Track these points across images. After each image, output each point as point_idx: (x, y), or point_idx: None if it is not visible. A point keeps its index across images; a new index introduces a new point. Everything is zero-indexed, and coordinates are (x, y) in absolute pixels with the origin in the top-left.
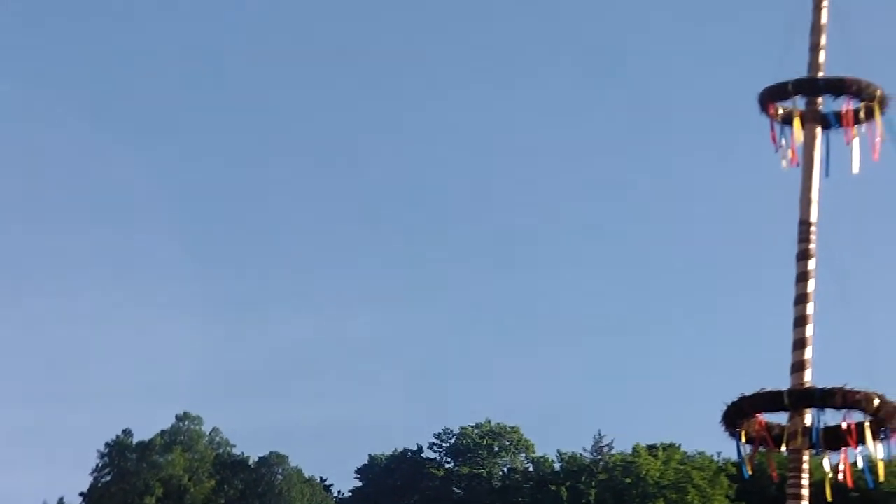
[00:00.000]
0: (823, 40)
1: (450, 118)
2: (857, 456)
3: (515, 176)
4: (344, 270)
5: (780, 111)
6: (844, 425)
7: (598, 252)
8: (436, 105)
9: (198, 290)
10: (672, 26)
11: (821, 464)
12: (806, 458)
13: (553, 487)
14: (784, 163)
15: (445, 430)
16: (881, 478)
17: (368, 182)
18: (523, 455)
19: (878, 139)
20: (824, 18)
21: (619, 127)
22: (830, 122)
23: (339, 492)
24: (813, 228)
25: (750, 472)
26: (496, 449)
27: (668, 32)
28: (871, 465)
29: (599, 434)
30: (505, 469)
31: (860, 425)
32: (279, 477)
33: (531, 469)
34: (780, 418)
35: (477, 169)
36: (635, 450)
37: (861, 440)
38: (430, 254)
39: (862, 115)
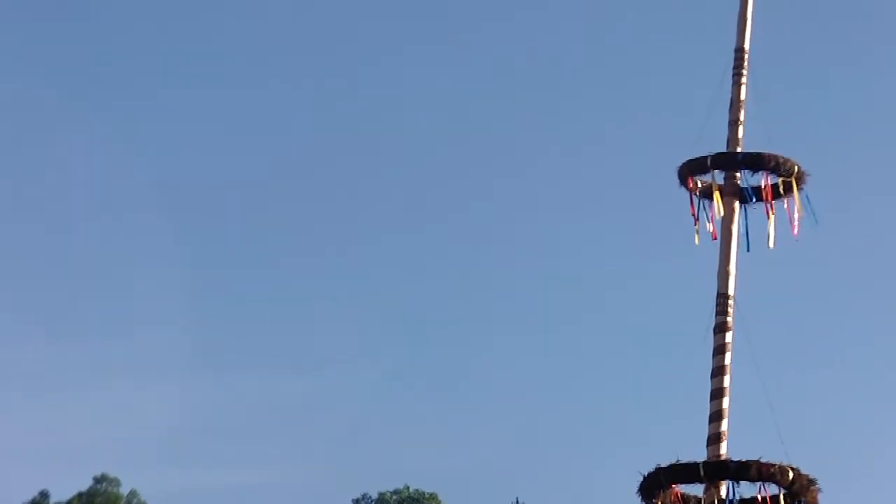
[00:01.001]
0: (742, 115)
1: None
2: None
3: (447, 248)
4: (266, 338)
5: (700, 185)
6: (759, 497)
7: (518, 318)
8: None
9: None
10: (595, 99)
11: None
12: None
13: None
14: (702, 236)
15: (364, 496)
16: None
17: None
18: None
19: (796, 215)
20: (743, 94)
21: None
22: (749, 196)
23: None
24: (731, 302)
25: None
26: None
27: (591, 105)
28: None
29: (517, 501)
30: None
31: (775, 498)
32: None
33: None
34: (696, 490)
35: (411, 244)
36: None
37: None
38: (355, 316)
39: (780, 190)
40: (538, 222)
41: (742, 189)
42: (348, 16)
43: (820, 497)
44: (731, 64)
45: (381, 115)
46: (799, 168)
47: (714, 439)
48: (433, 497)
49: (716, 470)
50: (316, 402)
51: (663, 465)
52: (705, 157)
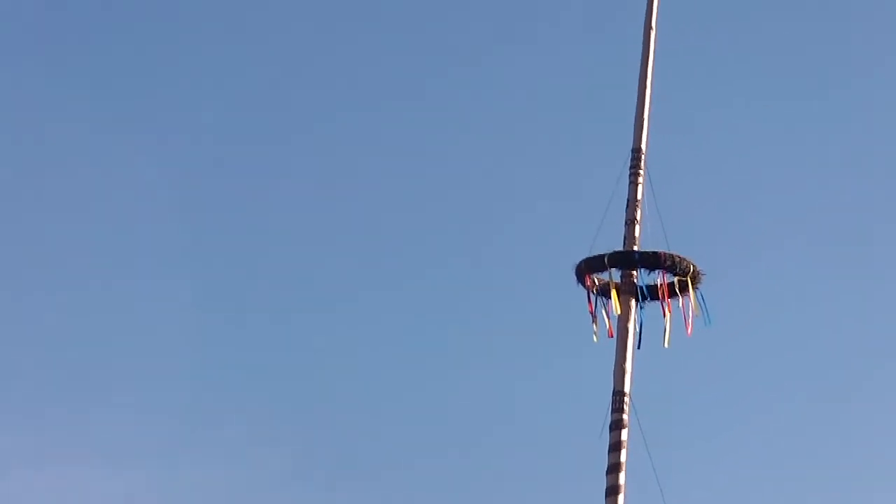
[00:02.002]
0: (639, 214)
1: None
2: None
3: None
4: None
5: (597, 283)
6: None
7: (406, 402)
8: None
9: None
10: (490, 196)
11: None
12: None
13: None
14: (599, 334)
15: None
16: None
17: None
18: None
19: (690, 314)
20: (640, 193)
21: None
22: (645, 295)
23: None
24: (626, 399)
25: None
26: None
27: (485, 202)
28: None
29: None
30: None
31: None
32: None
33: None
34: None
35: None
36: None
37: None
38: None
39: (676, 289)
40: (434, 321)
41: (639, 287)
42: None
43: None
44: (629, 163)
45: None
46: (695, 268)
47: None
48: None
49: None
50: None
51: None
52: (602, 256)
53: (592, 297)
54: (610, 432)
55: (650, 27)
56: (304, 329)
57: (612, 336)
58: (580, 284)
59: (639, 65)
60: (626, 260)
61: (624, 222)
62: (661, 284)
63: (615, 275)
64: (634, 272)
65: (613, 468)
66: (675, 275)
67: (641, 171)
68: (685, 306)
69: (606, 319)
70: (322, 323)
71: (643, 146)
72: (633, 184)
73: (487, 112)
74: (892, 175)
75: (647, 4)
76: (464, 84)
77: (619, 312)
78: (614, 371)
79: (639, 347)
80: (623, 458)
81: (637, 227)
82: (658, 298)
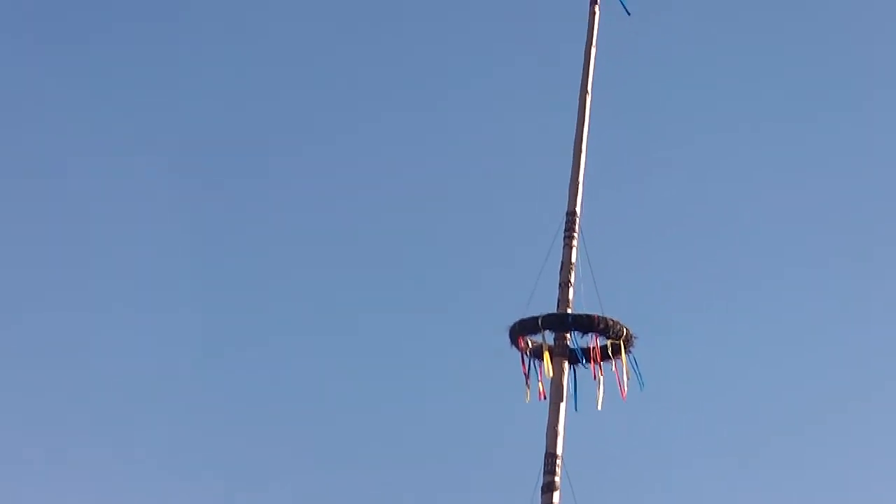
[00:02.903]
0: (573, 277)
1: None
2: None
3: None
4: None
5: (531, 345)
6: None
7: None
8: None
9: None
10: (426, 257)
11: None
12: None
13: None
14: (532, 396)
15: None
16: None
17: None
18: None
19: (624, 377)
20: (574, 256)
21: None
22: (578, 357)
23: None
24: (558, 461)
25: None
26: None
27: (420, 263)
28: None
29: None
30: None
31: None
32: None
33: None
34: None
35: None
36: None
37: None
38: None
39: (609, 352)
40: (365, 378)
41: (572, 350)
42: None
43: None
44: (563, 226)
45: None
46: (628, 331)
47: None
48: None
49: None
50: None
51: None
52: (536, 318)
53: (526, 359)
54: (542, 494)
55: (586, 91)
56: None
57: (544, 398)
58: (514, 346)
59: (574, 128)
60: (560, 322)
61: (558, 285)
62: (593, 347)
63: (549, 337)
64: (568, 335)
65: None
66: (608, 338)
67: (576, 234)
68: (618, 369)
69: (539, 381)
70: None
71: (577, 209)
72: (568, 247)
73: (421, 171)
74: (819, 234)
75: (584, 68)
76: (403, 141)
77: (551, 375)
78: (547, 433)
79: (576, 409)
80: None
81: (571, 290)
82: (591, 361)
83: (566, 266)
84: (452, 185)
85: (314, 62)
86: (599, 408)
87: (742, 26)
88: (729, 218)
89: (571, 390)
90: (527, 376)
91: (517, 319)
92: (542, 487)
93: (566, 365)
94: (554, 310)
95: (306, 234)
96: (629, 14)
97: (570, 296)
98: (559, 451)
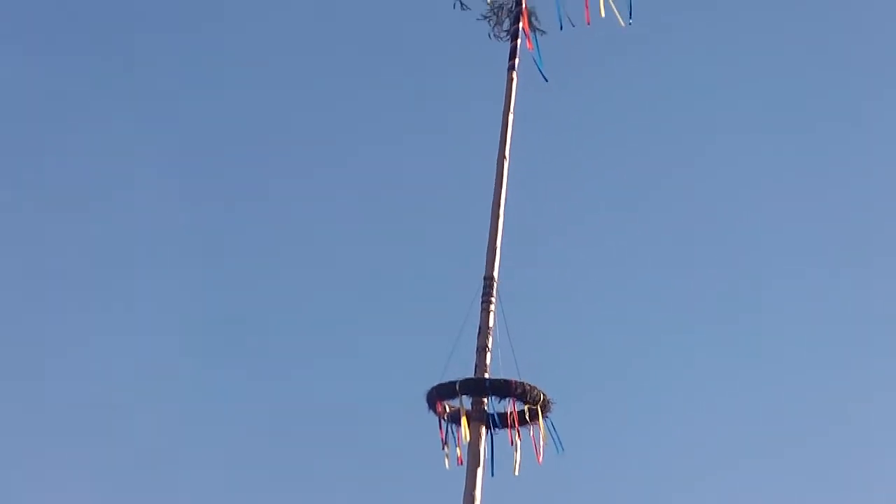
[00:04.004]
0: (490, 342)
1: None
2: None
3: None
4: None
5: (448, 410)
6: None
7: None
8: None
9: None
10: (342, 322)
11: None
12: None
13: None
14: (450, 461)
15: None
16: None
17: None
18: None
19: (541, 442)
20: (491, 321)
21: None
22: (496, 422)
23: None
24: None
25: None
26: None
27: (336, 328)
28: None
29: None
30: None
31: None
32: None
33: None
34: None
35: None
36: None
37: None
38: None
39: (526, 417)
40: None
41: (489, 415)
42: None
43: None
44: (481, 291)
45: None
46: (544, 396)
47: None
48: None
49: None
50: None
51: None
52: (454, 383)
53: (443, 424)
54: None
55: (503, 156)
56: None
57: (461, 463)
58: (431, 411)
59: (492, 193)
60: (477, 387)
61: (476, 349)
62: (510, 412)
63: (466, 402)
64: (485, 399)
65: None
66: (525, 403)
67: (493, 299)
68: (535, 434)
69: (456, 447)
70: None
71: (495, 274)
72: (485, 311)
73: (339, 234)
74: (743, 292)
75: (501, 133)
76: (318, 198)
77: (468, 440)
78: (464, 498)
79: (492, 475)
80: None
81: (488, 355)
82: (509, 426)
83: (484, 331)
84: (369, 248)
85: None
86: (516, 473)
87: (656, 94)
88: (643, 283)
89: (489, 455)
90: (444, 442)
91: (435, 384)
92: None
93: (483, 430)
94: (471, 374)
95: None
96: (546, 80)
97: (488, 360)
98: None
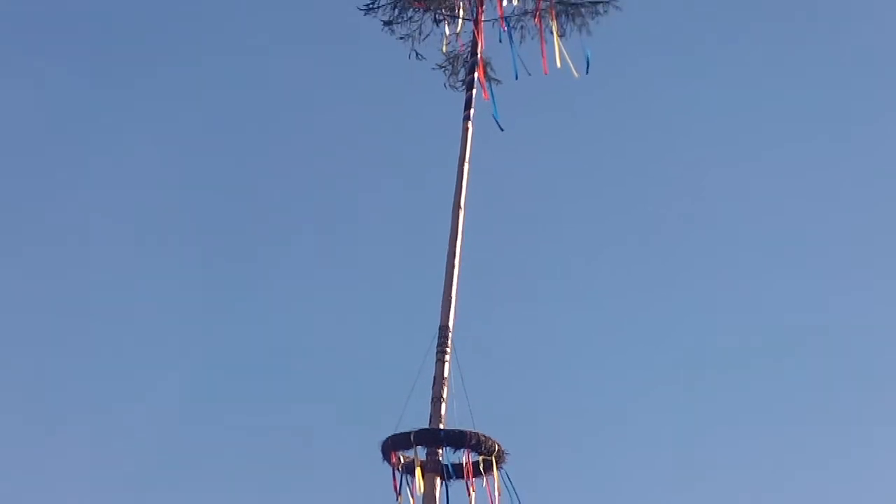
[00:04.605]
0: (445, 392)
1: None
2: None
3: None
4: None
5: (403, 460)
6: None
7: None
8: None
9: None
10: (295, 373)
11: None
12: None
13: None
14: None
15: None
16: None
17: None
18: None
19: (496, 493)
20: (447, 371)
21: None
22: (451, 473)
23: None
24: None
25: None
26: None
27: (289, 379)
28: None
29: None
30: None
31: None
32: None
33: None
34: None
35: None
36: None
37: None
38: None
39: (481, 468)
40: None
41: (444, 466)
42: None
43: None
44: (436, 341)
45: None
46: (499, 447)
47: None
48: None
49: None
50: None
51: None
52: (408, 433)
53: (398, 475)
54: None
55: (459, 206)
56: None
57: None
58: (386, 461)
59: (447, 242)
60: (432, 438)
61: (430, 400)
62: (465, 463)
63: (421, 452)
64: (440, 450)
65: None
66: (480, 454)
67: (448, 349)
68: (490, 485)
69: (411, 497)
70: None
71: (450, 324)
72: (440, 361)
73: (298, 277)
74: (707, 358)
75: (456, 184)
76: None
77: (423, 491)
78: None
79: None
80: None
81: (443, 405)
82: (464, 477)
83: (439, 381)
84: (324, 297)
85: None
86: None
87: (615, 143)
88: (601, 334)
89: None
90: (398, 493)
91: (390, 435)
92: None
93: (438, 481)
94: (426, 425)
95: None
96: (502, 130)
97: (443, 411)
98: None
